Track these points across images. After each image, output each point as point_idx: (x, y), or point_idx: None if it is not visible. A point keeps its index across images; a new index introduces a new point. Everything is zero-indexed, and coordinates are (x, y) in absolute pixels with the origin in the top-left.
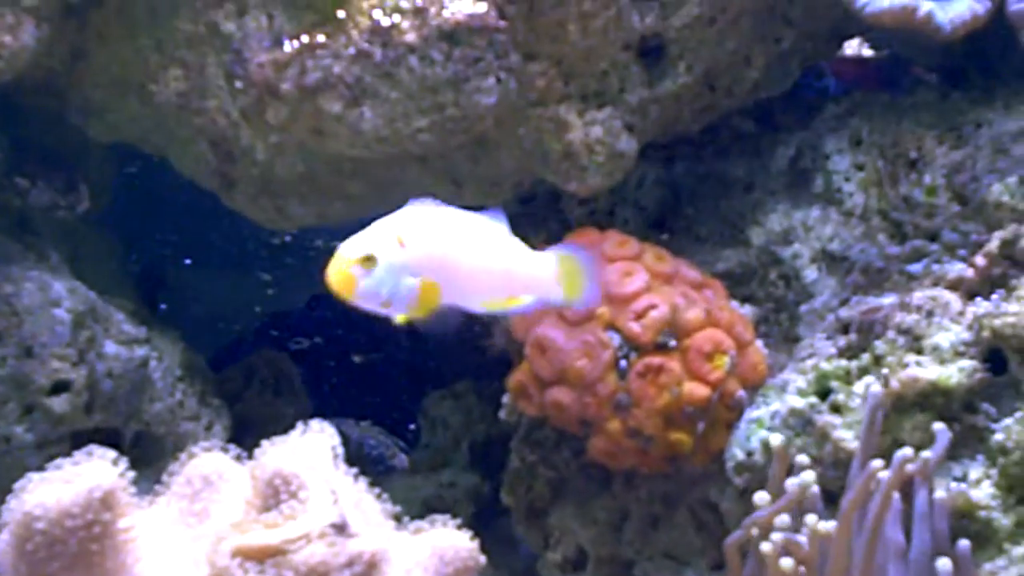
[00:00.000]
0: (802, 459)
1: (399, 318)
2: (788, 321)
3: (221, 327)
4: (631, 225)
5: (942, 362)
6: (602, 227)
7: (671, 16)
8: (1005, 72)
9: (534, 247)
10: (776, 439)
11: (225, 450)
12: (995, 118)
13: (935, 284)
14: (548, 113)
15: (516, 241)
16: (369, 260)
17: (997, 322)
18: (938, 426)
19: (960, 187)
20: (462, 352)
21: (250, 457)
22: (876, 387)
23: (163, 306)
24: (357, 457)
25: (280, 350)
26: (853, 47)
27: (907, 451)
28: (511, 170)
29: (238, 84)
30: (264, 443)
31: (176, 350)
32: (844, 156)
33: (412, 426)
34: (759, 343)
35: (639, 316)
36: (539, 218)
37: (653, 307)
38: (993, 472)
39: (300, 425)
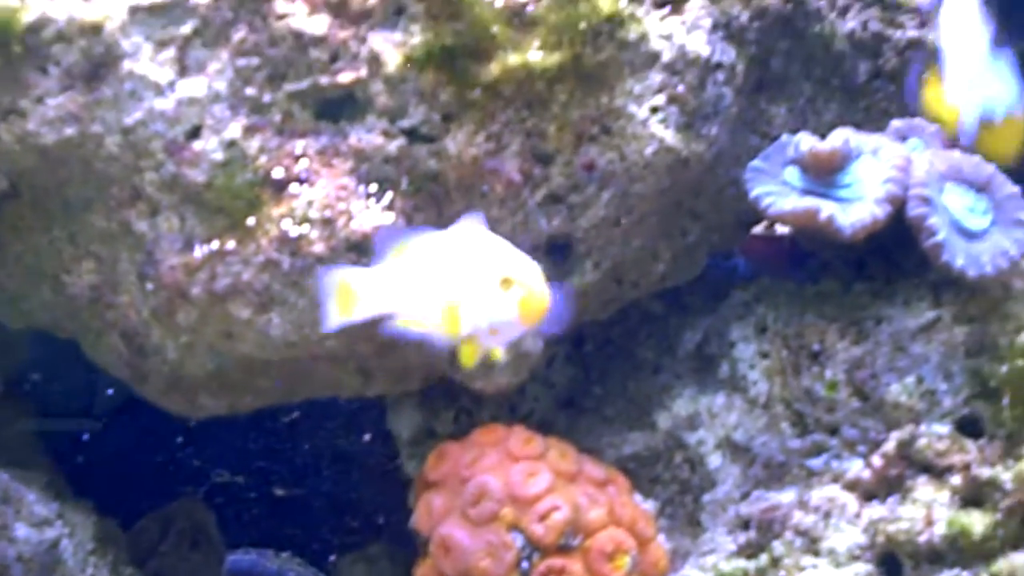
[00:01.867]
0: None
1: None
2: (693, 504)
3: None
4: (541, 402)
5: (837, 566)
6: (513, 405)
7: (578, 218)
8: (906, 265)
9: (445, 424)
10: None
11: None
12: (895, 314)
13: (834, 481)
14: None
15: None
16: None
17: (892, 528)
18: None
19: (860, 383)
20: (383, 483)
21: None
22: None
23: (86, 436)
24: None
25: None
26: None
27: None
28: (419, 363)
29: (149, 285)
30: None
31: (88, 522)
32: (749, 344)
33: (332, 558)
34: (661, 538)
35: (542, 517)
36: (452, 393)
37: (556, 508)
38: None
39: None
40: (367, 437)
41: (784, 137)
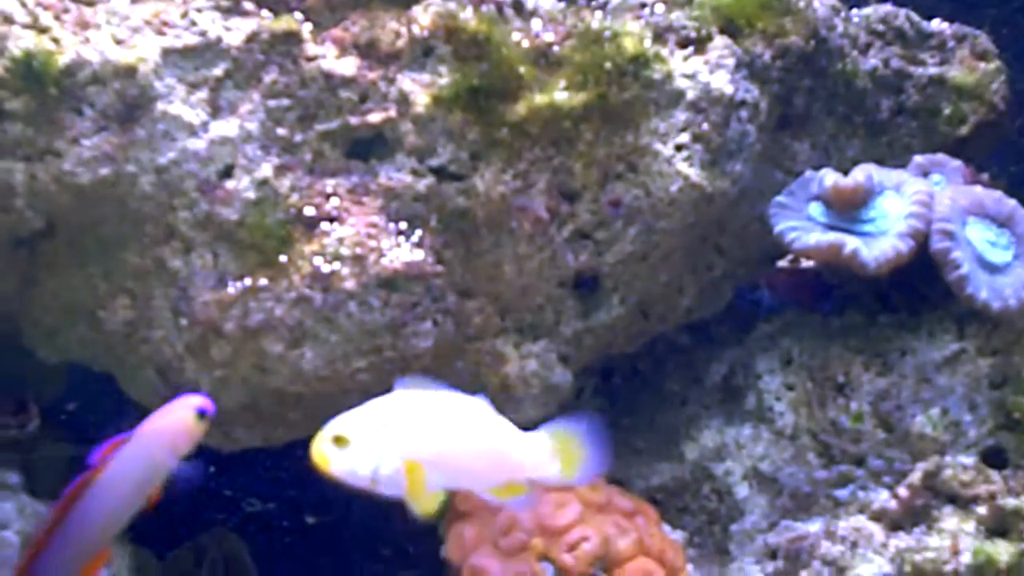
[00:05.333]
0: None
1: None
2: (721, 534)
3: None
4: None
5: None
6: None
7: (605, 253)
8: (930, 297)
9: None
10: None
11: None
12: (919, 346)
13: (860, 512)
14: (485, 347)
15: (505, 423)
16: (341, 440)
17: (918, 557)
18: None
19: (886, 415)
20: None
21: None
22: None
23: None
24: None
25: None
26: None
27: None
28: None
29: (183, 321)
30: None
31: (125, 552)
32: (775, 376)
33: None
34: (690, 567)
35: (572, 548)
36: None
37: (585, 539)
38: None
39: None
40: None
41: (808, 173)
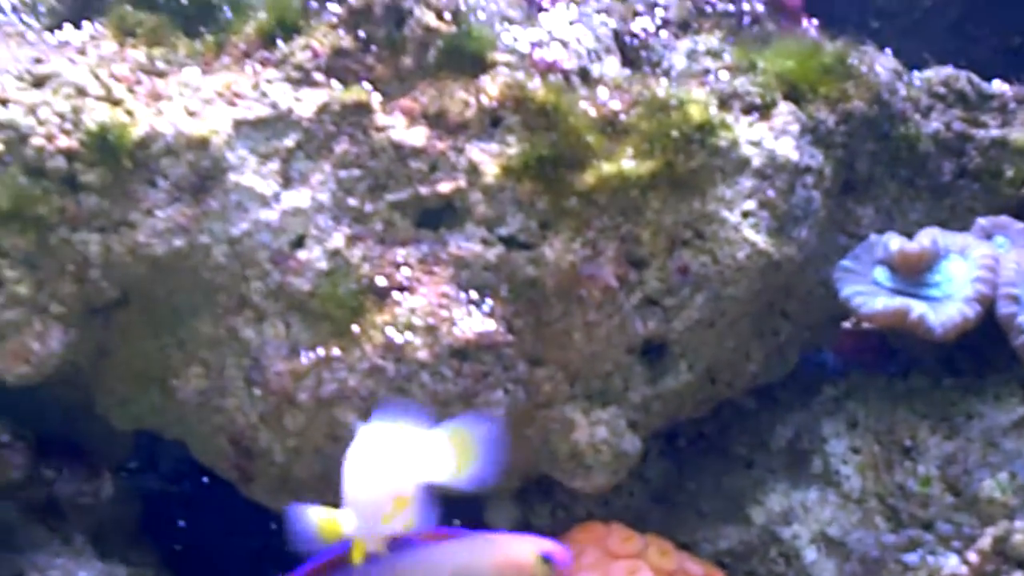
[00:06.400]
0: None
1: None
2: None
3: None
4: (636, 497)
5: None
6: (607, 500)
7: (673, 320)
8: (996, 360)
9: (542, 518)
10: None
11: None
12: (986, 410)
13: None
14: (554, 414)
15: (398, 428)
16: None
17: None
18: None
19: (953, 479)
20: None
21: None
22: None
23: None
24: None
25: None
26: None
27: None
28: (519, 463)
29: (257, 391)
30: None
31: None
32: (841, 439)
33: None
34: None
35: None
36: (547, 488)
37: None
38: None
39: None
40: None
41: (872, 237)
